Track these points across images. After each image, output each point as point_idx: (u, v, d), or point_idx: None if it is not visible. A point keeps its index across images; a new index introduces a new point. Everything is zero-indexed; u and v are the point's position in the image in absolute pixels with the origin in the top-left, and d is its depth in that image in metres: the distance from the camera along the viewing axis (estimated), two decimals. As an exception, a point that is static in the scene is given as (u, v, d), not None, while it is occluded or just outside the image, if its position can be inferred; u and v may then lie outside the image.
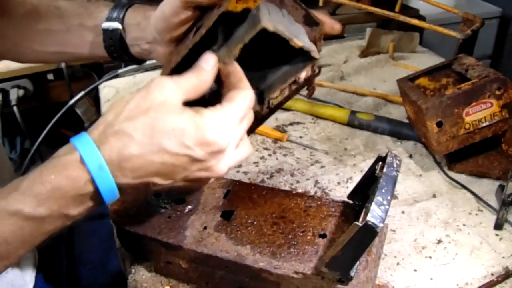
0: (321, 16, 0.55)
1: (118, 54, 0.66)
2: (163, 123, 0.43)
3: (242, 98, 0.48)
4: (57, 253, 0.47)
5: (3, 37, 0.67)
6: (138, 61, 0.69)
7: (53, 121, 1.16)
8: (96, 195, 0.44)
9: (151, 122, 0.43)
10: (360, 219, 0.47)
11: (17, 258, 0.46)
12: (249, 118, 0.50)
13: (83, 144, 0.44)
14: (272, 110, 0.58)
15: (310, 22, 0.55)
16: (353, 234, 0.47)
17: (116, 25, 0.64)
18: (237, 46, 0.48)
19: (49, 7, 0.67)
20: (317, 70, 0.56)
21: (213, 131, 0.45)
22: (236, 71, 0.49)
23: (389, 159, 0.54)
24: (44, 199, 0.43)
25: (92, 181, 0.43)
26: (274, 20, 0.47)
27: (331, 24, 0.57)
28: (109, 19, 0.64)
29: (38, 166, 0.45)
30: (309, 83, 0.57)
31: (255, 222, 0.61)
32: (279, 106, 0.58)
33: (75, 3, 0.68)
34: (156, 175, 0.45)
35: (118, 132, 0.43)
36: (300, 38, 0.49)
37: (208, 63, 0.48)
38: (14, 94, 1.36)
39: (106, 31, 0.64)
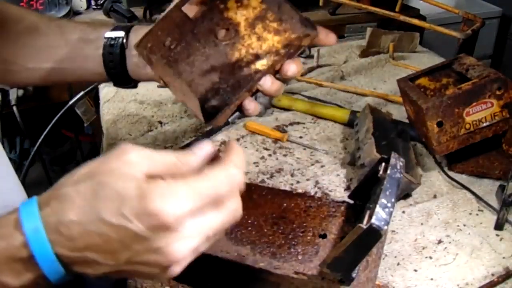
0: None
1: (114, 65, 0.66)
2: (105, 189, 0.38)
3: (218, 176, 0.41)
4: None
5: None
6: (128, 81, 0.68)
7: (53, 121, 1.16)
8: (34, 264, 0.39)
9: (94, 187, 0.38)
10: (365, 221, 0.47)
11: None
12: (230, 209, 0.43)
13: (26, 205, 0.40)
14: None
15: (307, 24, 0.55)
16: (357, 236, 0.47)
17: (120, 33, 0.65)
18: None
19: (50, 25, 0.68)
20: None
21: (158, 201, 0.37)
22: (231, 147, 0.43)
23: (392, 160, 0.54)
24: None
25: (27, 245, 0.38)
26: None
27: (325, 33, 0.56)
28: (114, 29, 0.66)
29: None
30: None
31: (255, 222, 0.60)
32: None
33: (77, 22, 0.70)
34: (96, 250, 0.39)
35: (61, 195, 0.39)
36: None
37: (201, 149, 0.44)
38: (13, 94, 1.36)
39: (108, 38, 0.65)
